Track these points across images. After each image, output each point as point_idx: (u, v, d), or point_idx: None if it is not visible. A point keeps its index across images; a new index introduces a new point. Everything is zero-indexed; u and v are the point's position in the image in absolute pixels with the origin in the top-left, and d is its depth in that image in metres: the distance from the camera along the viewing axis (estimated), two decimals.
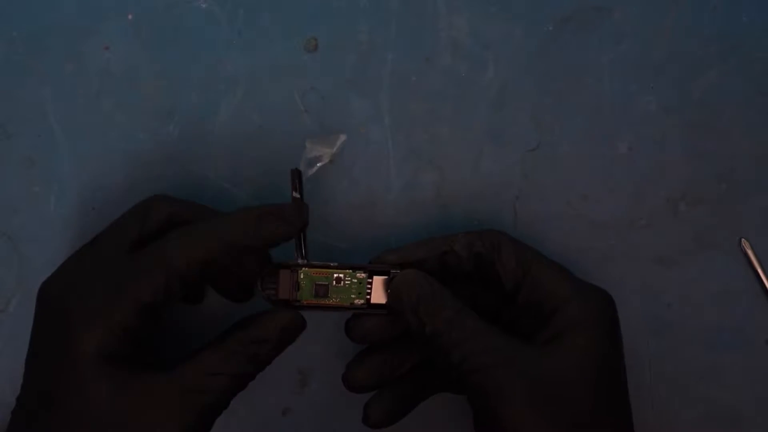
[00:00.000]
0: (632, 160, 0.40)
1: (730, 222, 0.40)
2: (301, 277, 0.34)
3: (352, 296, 0.35)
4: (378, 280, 0.35)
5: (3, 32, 0.38)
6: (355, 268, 0.35)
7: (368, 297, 0.35)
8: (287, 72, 0.39)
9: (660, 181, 0.40)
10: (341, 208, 0.39)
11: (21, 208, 0.39)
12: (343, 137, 0.38)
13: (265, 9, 0.39)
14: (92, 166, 0.39)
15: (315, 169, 0.37)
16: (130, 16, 0.39)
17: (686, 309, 0.40)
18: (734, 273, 0.40)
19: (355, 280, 0.35)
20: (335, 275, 0.35)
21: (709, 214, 0.40)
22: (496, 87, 0.39)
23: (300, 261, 0.34)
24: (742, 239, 0.40)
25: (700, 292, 0.40)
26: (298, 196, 0.35)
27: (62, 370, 0.30)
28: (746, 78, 0.40)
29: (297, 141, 0.39)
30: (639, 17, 0.39)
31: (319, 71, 0.39)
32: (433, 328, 0.32)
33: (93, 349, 0.29)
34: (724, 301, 0.40)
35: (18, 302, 0.39)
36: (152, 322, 0.31)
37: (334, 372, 0.39)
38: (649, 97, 0.40)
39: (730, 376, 0.40)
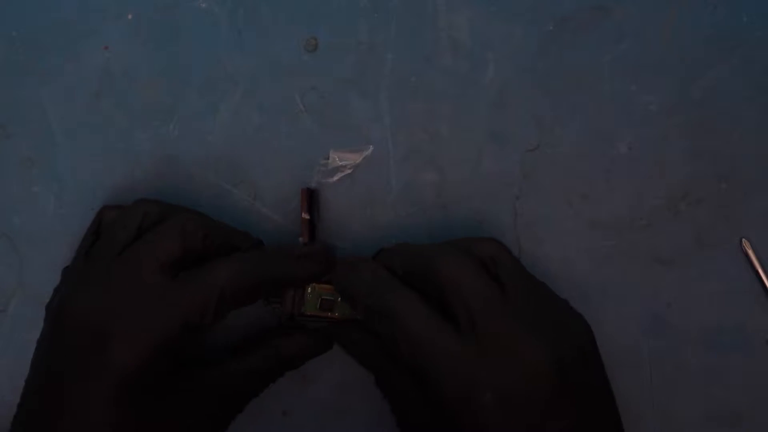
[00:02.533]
0: (632, 160, 0.40)
1: (730, 222, 0.40)
2: (309, 291, 0.36)
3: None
4: None
5: (3, 32, 0.38)
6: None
7: None
8: (287, 72, 0.39)
9: (660, 181, 0.40)
10: (341, 208, 0.39)
11: (21, 208, 0.39)
12: (370, 148, 0.38)
13: (265, 9, 0.39)
14: (92, 166, 0.39)
15: (336, 178, 0.38)
16: (130, 16, 0.39)
17: (686, 309, 0.40)
18: (734, 273, 0.40)
19: None
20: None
21: (709, 214, 0.40)
22: (496, 87, 0.39)
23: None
24: (742, 239, 0.40)
25: (700, 292, 0.40)
26: (307, 216, 0.36)
27: (88, 386, 0.30)
28: (746, 78, 0.40)
29: (297, 141, 0.39)
30: (639, 17, 0.39)
31: (319, 71, 0.39)
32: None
33: (136, 366, 0.30)
34: (724, 301, 0.40)
35: (18, 302, 0.39)
36: (195, 340, 0.32)
37: (334, 372, 0.39)
38: (649, 97, 0.40)
39: (730, 376, 0.40)
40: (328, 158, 0.39)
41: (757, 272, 0.39)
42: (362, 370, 0.39)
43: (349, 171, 0.39)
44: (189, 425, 0.31)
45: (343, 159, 0.38)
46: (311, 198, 0.37)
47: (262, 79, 0.39)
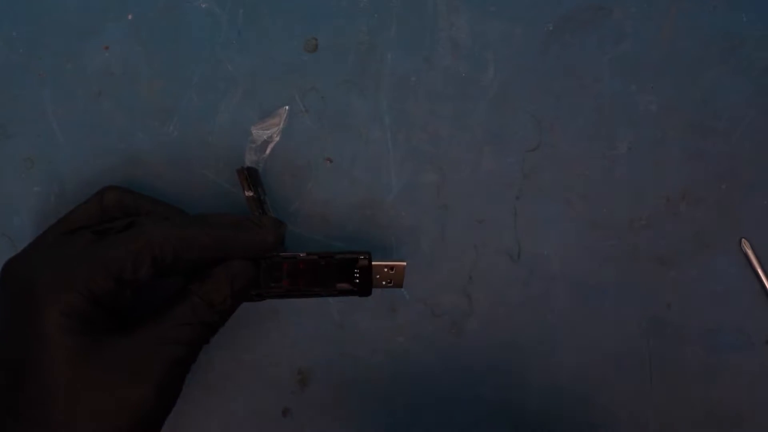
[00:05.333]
0: (632, 160, 0.40)
1: (730, 222, 0.40)
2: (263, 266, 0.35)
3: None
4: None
5: (3, 32, 0.38)
6: (321, 257, 0.35)
7: (357, 281, 0.36)
8: (287, 72, 0.39)
9: (660, 181, 0.40)
10: (341, 208, 0.39)
11: (21, 208, 0.39)
12: (285, 108, 0.38)
13: (265, 9, 0.39)
14: (92, 166, 0.39)
15: (269, 150, 0.38)
16: (130, 16, 0.39)
17: (686, 309, 0.40)
18: (734, 273, 0.40)
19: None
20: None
21: (709, 214, 0.40)
22: (496, 87, 0.39)
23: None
24: (742, 239, 0.40)
25: (700, 292, 0.40)
26: (251, 193, 0.36)
27: (30, 336, 0.30)
28: (746, 78, 0.40)
29: (297, 141, 0.39)
30: (639, 17, 0.39)
31: (319, 71, 0.39)
32: None
33: (59, 312, 0.30)
34: (724, 301, 0.40)
35: None
36: (121, 292, 0.32)
37: (334, 372, 0.39)
38: (649, 97, 0.40)
39: (730, 376, 0.40)
40: (252, 135, 0.38)
41: (756, 272, 0.39)
42: (362, 371, 0.39)
43: (277, 139, 0.38)
44: (140, 371, 0.31)
45: (267, 128, 0.38)
46: (250, 176, 0.37)
47: (262, 79, 0.39)
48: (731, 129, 0.40)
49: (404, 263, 0.36)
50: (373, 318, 0.39)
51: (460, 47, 0.39)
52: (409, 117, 0.39)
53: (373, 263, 0.36)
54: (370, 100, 0.39)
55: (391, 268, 0.36)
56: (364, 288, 0.36)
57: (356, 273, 0.35)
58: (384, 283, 0.36)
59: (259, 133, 0.37)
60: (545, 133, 0.40)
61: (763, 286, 0.39)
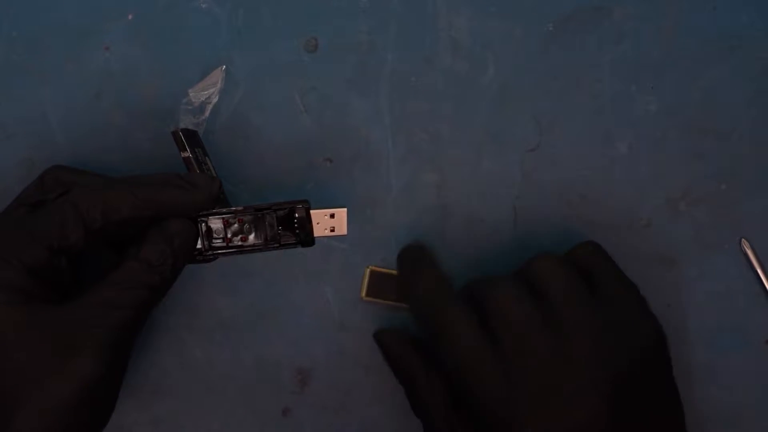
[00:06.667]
0: (632, 160, 0.40)
1: (730, 222, 0.40)
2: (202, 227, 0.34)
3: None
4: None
5: (3, 32, 0.38)
6: (258, 209, 0.34)
7: (297, 231, 0.35)
8: (287, 72, 0.39)
9: (660, 181, 0.40)
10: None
11: None
12: (222, 67, 0.38)
13: (265, 9, 0.39)
14: (92, 167, 0.39)
15: (208, 111, 0.38)
16: (130, 16, 0.39)
17: (686, 309, 0.40)
18: (734, 273, 0.40)
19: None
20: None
21: (709, 214, 0.40)
22: (496, 87, 0.39)
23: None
24: (742, 239, 0.39)
25: (700, 292, 0.40)
26: (188, 154, 0.35)
27: None
28: (746, 78, 0.40)
29: (297, 141, 0.39)
30: (639, 17, 0.39)
31: (319, 71, 0.39)
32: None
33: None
34: (724, 301, 0.40)
35: None
36: (57, 262, 0.31)
37: (334, 372, 0.39)
38: (649, 97, 0.40)
39: (730, 376, 0.39)
40: (188, 97, 0.38)
41: (756, 272, 0.39)
42: (362, 370, 0.39)
43: (216, 99, 0.38)
44: (78, 347, 0.30)
45: (205, 89, 0.37)
46: (186, 137, 0.36)
47: (262, 79, 0.39)
48: (731, 129, 0.40)
49: (344, 208, 0.35)
50: (373, 318, 0.39)
51: (460, 47, 0.39)
52: (409, 117, 0.39)
53: (312, 211, 0.35)
54: (370, 100, 0.39)
55: (332, 215, 0.35)
56: (306, 238, 0.35)
57: (296, 223, 0.35)
58: (326, 230, 0.35)
59: (197, 95, 0.37)
60: (545, 133, 0.40)
61: (763, 286, 0.39)
